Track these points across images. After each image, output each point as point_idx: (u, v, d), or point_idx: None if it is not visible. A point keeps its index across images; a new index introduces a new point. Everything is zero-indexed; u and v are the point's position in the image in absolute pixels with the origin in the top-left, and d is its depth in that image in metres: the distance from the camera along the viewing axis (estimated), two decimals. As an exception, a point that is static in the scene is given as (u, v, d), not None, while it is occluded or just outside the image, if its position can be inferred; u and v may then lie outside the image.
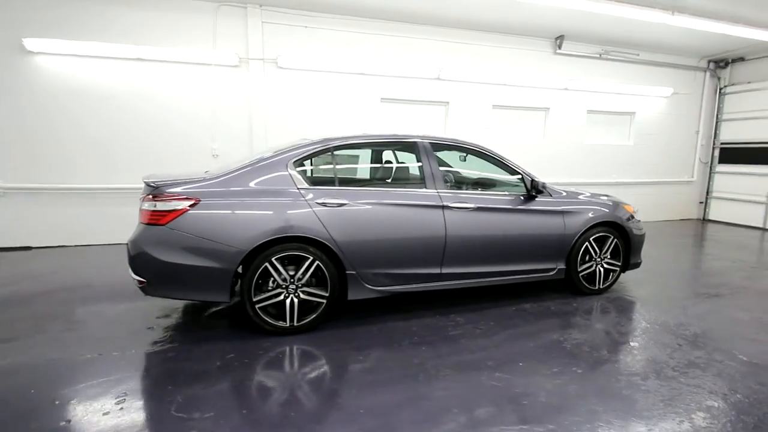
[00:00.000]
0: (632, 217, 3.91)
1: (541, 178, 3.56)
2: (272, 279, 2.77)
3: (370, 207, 2.98)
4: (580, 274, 3.70)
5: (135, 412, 2.01)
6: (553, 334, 3.00)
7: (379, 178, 3.55)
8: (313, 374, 2.43)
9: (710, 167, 8.55)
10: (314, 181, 2.99)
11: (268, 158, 2.96)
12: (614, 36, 6.75)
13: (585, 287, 3.75)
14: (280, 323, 2.81)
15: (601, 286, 3.81)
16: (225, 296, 2.71)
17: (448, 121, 6.70)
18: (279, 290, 2.79)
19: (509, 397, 2.19)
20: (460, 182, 3.64)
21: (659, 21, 5.63)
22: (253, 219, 2.71)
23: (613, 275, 3.87)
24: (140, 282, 2.68)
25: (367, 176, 3.56)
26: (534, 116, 7.27)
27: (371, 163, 3.74)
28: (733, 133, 8.15)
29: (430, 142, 3.33)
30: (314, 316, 2.88)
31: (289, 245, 2.76)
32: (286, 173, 2.90)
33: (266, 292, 2.77)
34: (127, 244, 2.75)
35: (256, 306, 2.75)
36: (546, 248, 3.53)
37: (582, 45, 7.09)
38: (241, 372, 2.39)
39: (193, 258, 2.61)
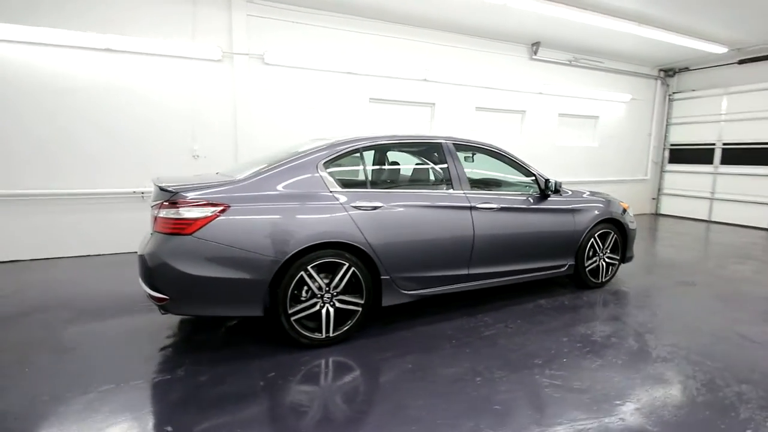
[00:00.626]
0: (625, 212, 4.17)
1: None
2: (306, 288, 2.59)
3: (403, 209, 2.89)
4: (587, 269, 3.88)
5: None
6: (579, 327, 3.11)
7: (410, 179, 3.45)
8: (368, 386, 2.31)
9: (661, 167, 9.41)
10: (345, 184, 2.85)
11: (294, 159, 2.77)
12: (583, 44, 7.19)
13: (590, 281, 3.94)
14: (316, 335, 2.64)
15: (603, 280, 4.03)
16: (258, 310, 2.50)
17: (434, 122, 6.75)
18: (314, 300, 2.62)
19: (568, 389, 2.21)
20: (478, 183, 3.65)
21: (626, 31, 6.11)
22: (289, 225, 2.52)
23: (612, 269, 4.10)
24: (160, 299, 2.38)
25: (396, 178, 3.45)
26: (512, 118, 7.54)
27: (399, 164, 3.62)
28: (681, 136, 9.04)
29: (453, 143, 3.32)
30: (350, 325, 2.74)
31: (325, 252, 2.60)
32: (317, 175, 2.73)
33: (301, 303, 2.59)
34: (141, 256, 2.44)
35: (292, 318, 2.56)
36: (560, 245, 3.66)
37: (555, 52, 7.47)
38: (291, 390, 2.21)
39: (223, 270, 2.37)
